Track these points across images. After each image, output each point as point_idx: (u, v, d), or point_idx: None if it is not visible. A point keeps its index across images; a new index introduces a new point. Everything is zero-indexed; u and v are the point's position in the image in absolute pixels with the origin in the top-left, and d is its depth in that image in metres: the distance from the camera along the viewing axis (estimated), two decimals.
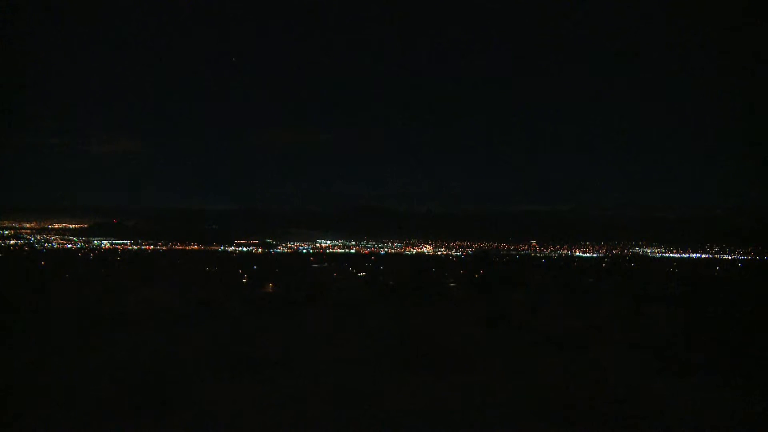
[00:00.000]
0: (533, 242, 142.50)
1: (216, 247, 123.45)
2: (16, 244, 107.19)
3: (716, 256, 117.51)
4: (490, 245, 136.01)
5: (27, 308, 14.74)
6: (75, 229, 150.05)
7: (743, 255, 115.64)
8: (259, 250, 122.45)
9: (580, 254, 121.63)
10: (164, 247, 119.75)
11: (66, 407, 6.99)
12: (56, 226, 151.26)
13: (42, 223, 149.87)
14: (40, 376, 8.30)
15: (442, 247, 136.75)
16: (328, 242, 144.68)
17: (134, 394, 7.42)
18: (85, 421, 6.63)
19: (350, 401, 7.47)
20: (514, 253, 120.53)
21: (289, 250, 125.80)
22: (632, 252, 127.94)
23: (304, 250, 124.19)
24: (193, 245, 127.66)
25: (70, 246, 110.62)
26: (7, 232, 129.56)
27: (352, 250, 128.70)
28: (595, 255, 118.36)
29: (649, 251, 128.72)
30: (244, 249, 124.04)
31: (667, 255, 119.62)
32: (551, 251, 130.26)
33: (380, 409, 7.21)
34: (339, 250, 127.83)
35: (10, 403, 7.13)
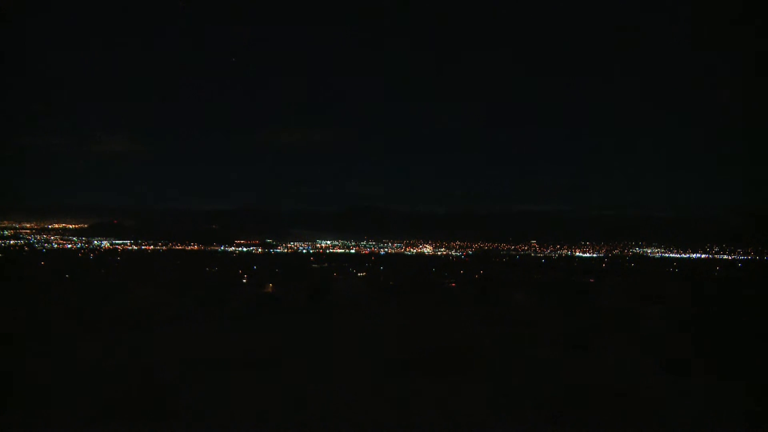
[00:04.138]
0: (533, 242, 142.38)
1: (216, 247, 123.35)
2: (16, 244, 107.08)
3: (716, 256, 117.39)
4: (490, 245, 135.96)
5: (27, 309, 14.73)
6: (75, 229, 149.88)
7: (743, 255, 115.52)
8: (259, 250, 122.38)
9: (580, 254, 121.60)
10: (164, 247, 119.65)
11: (68, 407, 6.98)
12: (56, 226, 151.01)
13: (42, 223, 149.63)
14: (41, 376, 8.29)
15: (442, 247, 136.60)
16: (328, 242, 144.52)
17: (134, 393, 7.41)
18: (88, 420, 6.62)
19: (349, 401, 7.47)
20: (514, 253, 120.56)
21: (289, 250, 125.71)
22: (632, 252, 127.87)
23: (304, 250, 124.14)
24: (193, 245, 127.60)
25: (70, 246, 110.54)
26: (7, 232, 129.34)
27: (352, 250, 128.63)
28: (595, 255, 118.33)
29: (649, 251, 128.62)
30: (244, 249, 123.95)
31: (667, 255, 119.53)
32: (551, 251, 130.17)
33: (380, 409, 7.20)
34: (339, 250, 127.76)
35: (10, 403, 7.12)
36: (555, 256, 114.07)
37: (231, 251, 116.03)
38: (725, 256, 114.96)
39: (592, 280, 38.43)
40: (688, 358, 9.90)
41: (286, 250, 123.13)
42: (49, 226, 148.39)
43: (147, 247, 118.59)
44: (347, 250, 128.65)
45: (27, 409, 6.88)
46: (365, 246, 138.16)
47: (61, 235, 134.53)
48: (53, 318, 13.31)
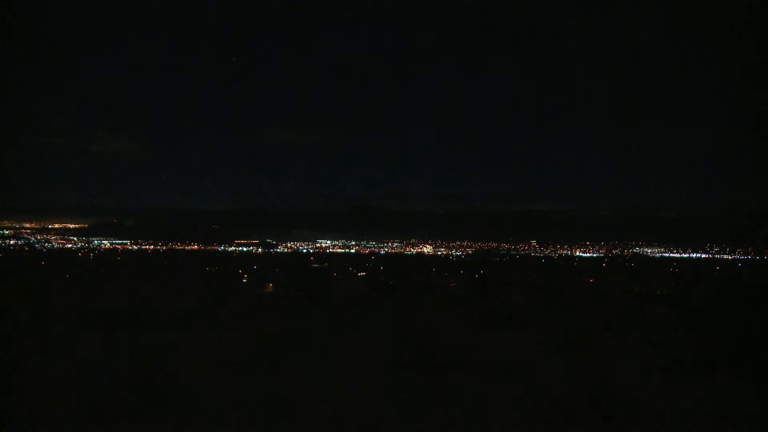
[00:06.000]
0: (533, 242, 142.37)
1: (216, 247, 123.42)
2: (16, 244, 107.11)
3: (716, 256, 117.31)
4: (490, 245, 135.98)
5: (28, 309, 14.73)
6: (75, 229, 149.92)
7: (743, 255, 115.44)
8: (259, 250, 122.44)
9: (580, 254, 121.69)
10: (164, 247, 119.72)
11: (69, 408, 6.99)
12: (56, 226, 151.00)
13: (42, 223, 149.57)
14: (42, 376, 8.31)
15: (442, 247, 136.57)
16: (328, 242, 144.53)
17: (136, 394, 7.42)
18: (89, 421, 6.63)
19: (350, 401, 7.48)
20: (514, 253, 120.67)
21: (289, 250, 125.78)
22: (632, 252, 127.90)
23: (304, 250, 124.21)
24: (193, 245, 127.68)
25: (70, 246, 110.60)
26: (7, 232, 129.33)
27: (352, 250, 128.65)
28: (595, 255, 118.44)
29: (649, 251, 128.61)
30: (244, 249, 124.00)
31: (667, 255, 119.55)
32: (551, 251, 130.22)
33: (382, 408, 7.21)
34: (339, 250, 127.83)
35: (10, 404, 7.13)
36: (555, 256, 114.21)
37: (231, 251, 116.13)
38: (725, 256, 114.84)
39: (591, 280, 38.46)
40: (689, 358, 9.91)
41: (286, 250, 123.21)
42: (49, 226, 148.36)
43: (147, 247, 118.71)
44: (347, 250, 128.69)
45: (28, 410, 6.89)
46: (365, 246, 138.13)
47: (61, 235, 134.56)
48: (54, 318, 13.31)
